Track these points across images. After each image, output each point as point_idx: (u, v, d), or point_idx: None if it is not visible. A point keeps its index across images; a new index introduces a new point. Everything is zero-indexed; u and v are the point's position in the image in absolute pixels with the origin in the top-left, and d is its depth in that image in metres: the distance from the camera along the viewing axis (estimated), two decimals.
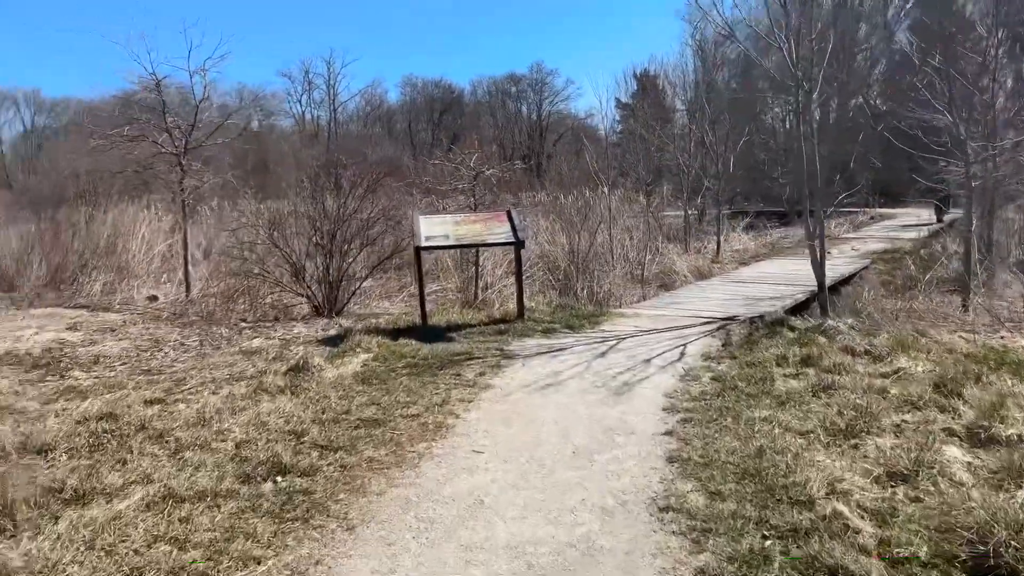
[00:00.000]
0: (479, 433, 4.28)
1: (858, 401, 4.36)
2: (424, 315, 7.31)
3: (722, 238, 17.05)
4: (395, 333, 7.08)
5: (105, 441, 4.26)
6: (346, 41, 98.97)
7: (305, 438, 4.19)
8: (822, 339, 6.06)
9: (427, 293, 12.14)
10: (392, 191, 12.63)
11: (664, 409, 4.62)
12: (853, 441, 3.86)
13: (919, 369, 5.13)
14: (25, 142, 48.98)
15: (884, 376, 5.00)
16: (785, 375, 5.19)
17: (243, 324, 8.85)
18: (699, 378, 5.31)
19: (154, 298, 12.06)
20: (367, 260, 11.21)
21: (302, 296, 9.75)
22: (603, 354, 6.27)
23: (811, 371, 5.23)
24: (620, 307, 8.98)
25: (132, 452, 4.05)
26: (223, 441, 4.20)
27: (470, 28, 79.29)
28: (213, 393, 5.27)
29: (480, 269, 10.63)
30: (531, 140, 50.48)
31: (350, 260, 9.72)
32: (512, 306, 8.22)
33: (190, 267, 12.13)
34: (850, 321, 6.62)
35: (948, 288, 10.20)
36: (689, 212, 18.83)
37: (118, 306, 11.01)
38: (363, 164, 9.84)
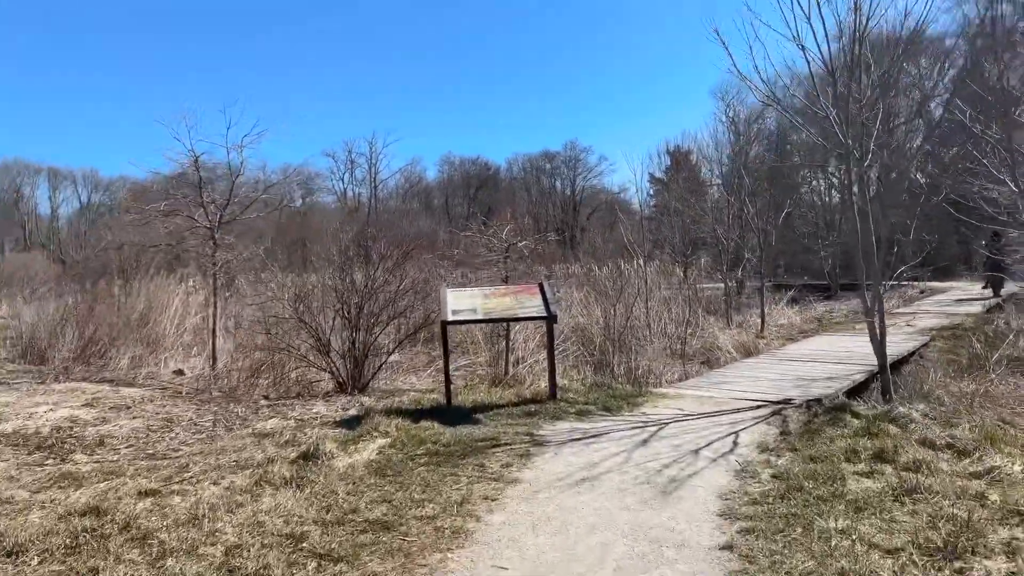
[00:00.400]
0: (503, 542, 3.66)
1: (953, 510, 3.65)
2: (449, 395, 6.79)
3: (766, 312, 16.30)
4: (417, 414, 6.55)
5: (84, 542, 3.76)
6: (388, 122, 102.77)
7: (304, 544, 3.64)
8: (893, 429, 5.34)
9: (455, 368, 11.69)
10: (423, 263, 12.34)
11: (720, 514, 3.96)
12: (957, 564, 3.15)
13: (1016, 468, 4.38)
14: (80, 219, 51.04)
15: (976, 476, 4.26)
16: (857, 473, 4.48)
17: (263, 402, 8.43)
18: (757, 475, 4.63)
19: (180, 372, 11.79)
20: (395, 334, 10.84)
21: (326, 371, 9.33)
22: (644, 442, 5.62)
23: (887, 468, 4.52)
24: (660, 386, 8.32)
25: (109, 558, 3.54)
26: (213, 545, 3.66)
27: (507, 108, 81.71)
28: (214, 483, 4.77)
29: (511, 343, 10.12)
30: (565, 214, 50.76)
31: (376, 333, 9.32)
32: (544, 384, 7.65)
33: (219, 341, 11.89)
34: (922, 407, 5.87)
35: (1021, 369, 9.29)
36: (729, 285, 18.20)
37: (142, 380, 10.73)
38: (393, 236, 9.61)
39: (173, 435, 6.58)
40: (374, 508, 4.14)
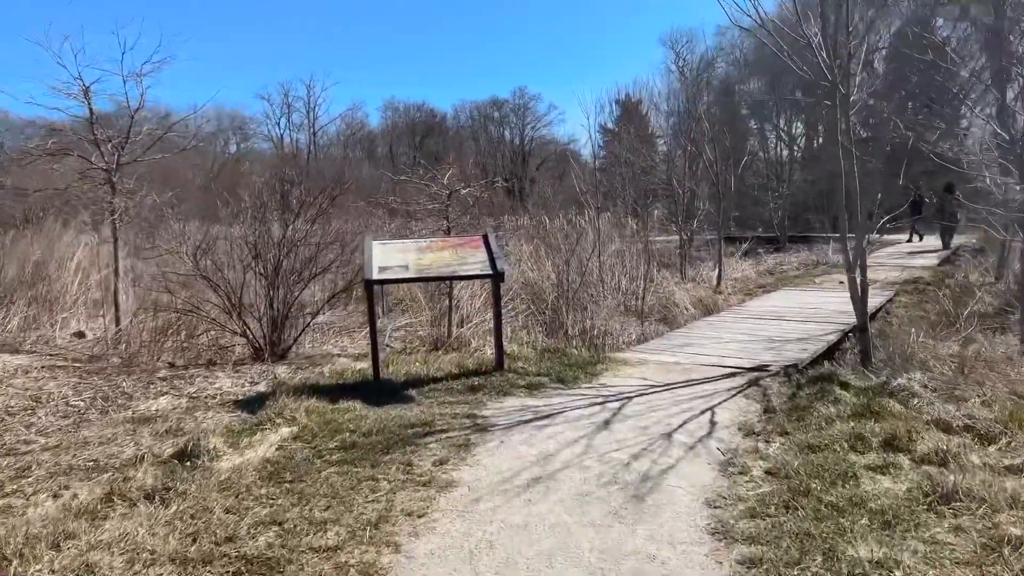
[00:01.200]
0: None
1: (1014, 530, 2.81)
2: (376, 366, 5.70)
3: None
4: (338, 391, 5.46)
5: None
6: (327, 64, 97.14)
7: None
8: (896, 406, 4.53)
9: (394, 329, 10.57)
10: (358, 213, 11.06)
11: (712, 532, 3.04)
12: None
13: None
14: None
15: (1015, 472, 3.46)
16: (870, 468, 3.63)
17: (163, 372, 7.17)
18: (747, 470, 3.74)
19: (81, 335, 10.33)
20: (323, 293, 9.62)
21: (239, 335, 8.09)
22: (607, 423, 4.68)
23: (904, 461, 3.69)
24: (620, 350, 7.42)
25: None
26: None
27: (453, 54, 78.54)
28: (54, 496, 3.61)
29: (455, 301, 9.06)
30: (514, 165, 49.33)
31: (297, 293, 8.10)
32: (490, 351, 6.64)
33: (128, 300, 10.44)
34: (919, 377, 5.10)
35: (990, 325, 8.77)
36: (684, 237, 17.46)
37: (30, 346, 9.27)
38: (315, 181, 8.28)
39: (33, 420, 5.32)
40: (259, 534, 3.07)
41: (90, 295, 12.68)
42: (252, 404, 5.25)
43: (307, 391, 5.42)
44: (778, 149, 40.49)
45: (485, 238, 6.07)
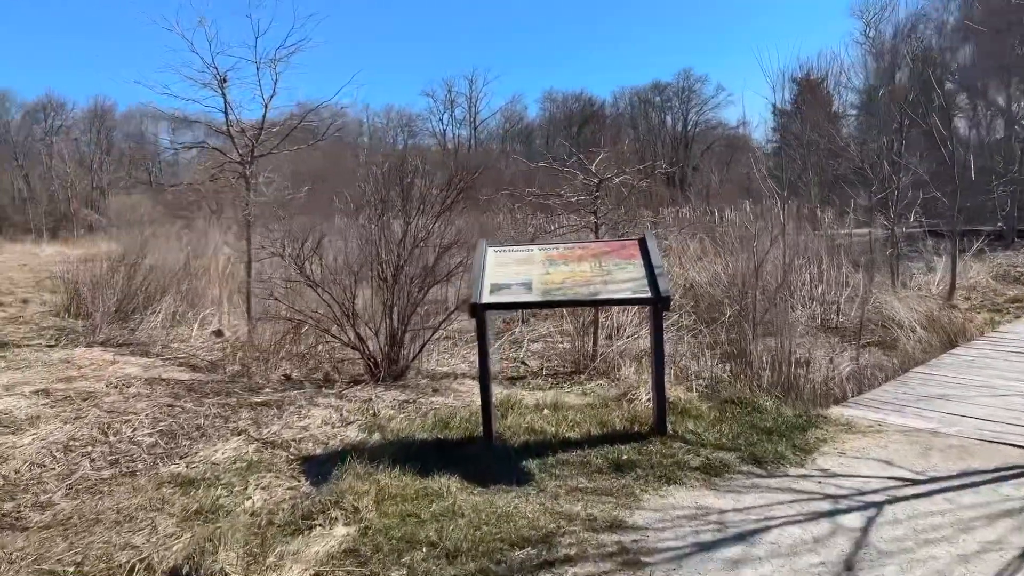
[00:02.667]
0: None
1: None
2: (488, 421, 4.08)
3: (943, 268, 12.40)
4: (434, 453, 3.93)
5: None
6: (488, 59, 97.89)
7: None
8: None
9: (532, 341, 8.99)
10: (493, 207, 9.59)
11: None
12: None
13: None
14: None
15: None
16: None
17: (262, 395, 6.13)
18: None
19: (219, 333, 9.87)
20: (454, 299, 8.27)
21: (353, 348, 6.91)
22: (849, 568, 2.70)
23: None
24: (834, 401, 5.23)
25: None
26: None
27: (614, 39, 75.67)
28: None
29: (601, 312, 7.30)
30: (675, 152, 46.07)
31: (419, 300, 6.76)
32: (645, 394, 4.80)
33: (253, 300, 9.83)
34: None
35: None
36: (894, 233, 14.19)
37: (161, 346, 8.85)
38: (450, 172, 6.88)
39: (77, 467, 4.33)
40: None
41: (234, 293, 12.43)
42: (322, 468, 3.85)
43: (394, 450, 3.94)
44: (992, 128, 33.88)
45: (642, 244, 4.22)
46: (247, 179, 9.53)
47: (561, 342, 8.58)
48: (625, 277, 3.94)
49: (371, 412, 5.22)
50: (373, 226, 6.78)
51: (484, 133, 56.12)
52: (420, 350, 7.00)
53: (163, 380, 6.68)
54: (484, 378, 3.98)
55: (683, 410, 4.55)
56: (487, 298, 3.88)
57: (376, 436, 4.45)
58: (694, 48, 74.79)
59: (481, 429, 4.13)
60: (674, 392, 4.86)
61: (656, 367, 3.95)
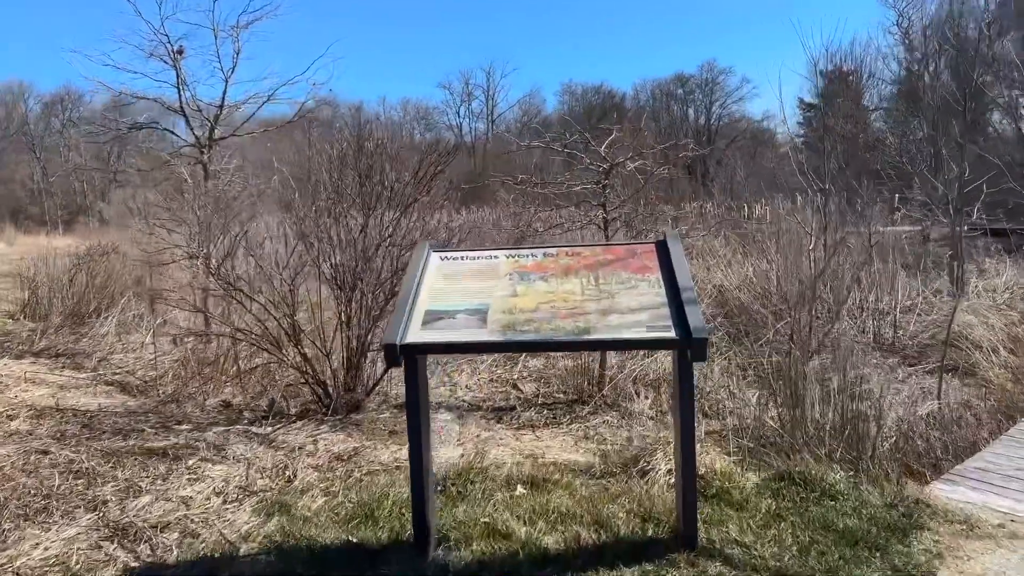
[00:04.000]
0: None
1: None
2: (423, 529, 2.62)
3: (999, 271, 10.71)
4: (338, 570, 2.52)
5: None
6: (507, 50, 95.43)
7: None
8: None
9: (529, 357, 7.47)
10: (491, 198, 8.13)
11: None
12: None
13: None
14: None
15: None
16: None
17: (170, 433, 4.77)
18: None
19: (178, 341, 8.58)
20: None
21: (299, 371, 5.52)
22: None
23: None
24: (931, 469, 3.74)
25: None
26: None
27: (635, 29, 73.51)
28: None
29: None
30: (698, 145, 44.16)
31: (376, 314, 5.35)
32: (664, 467, 3.34)
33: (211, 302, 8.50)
34: None
35: None
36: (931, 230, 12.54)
37: (99, 359, 7.55)
38: (416, 151, 5.41)
39: None
40: None
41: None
42: None
43: (280, 565, 2.53)
44: None
45: (662, 249, 2.75)
46: (205, 166, 8.19)
47: (564, 358, 7.11)
48: (635, 304, 2.47)
49: (288, 475, 3.81)
50: (325, 220, 5.37)
51: (502, 126, 54.59)
52: (384, 373, 5.59)
53: (61, 410, 5.34)
54: (416, 466, 2.53)
55: (720, 493, 3.07)
56: (415, 335, 2.43)
57: (272, 525, 3.04)
58: (718, 36, 72.46)
59: (417, 531, 2.68)
60: (706, 457, 3.39)
61: (684, 448, 2.46)
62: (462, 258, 2.85)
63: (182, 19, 7.71)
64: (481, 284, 2.67)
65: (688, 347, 2.29)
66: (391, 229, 5.51)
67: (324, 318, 5.73)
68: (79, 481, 3.79)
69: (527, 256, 2.82)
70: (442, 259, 2.86)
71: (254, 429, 4.90)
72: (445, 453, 4.14)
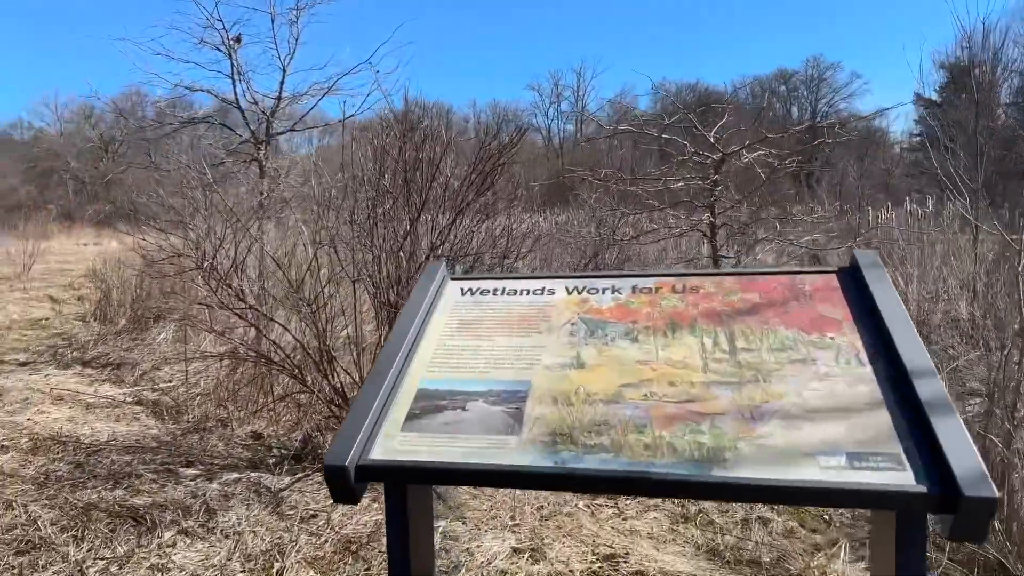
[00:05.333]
0: None
1: None
2: None
3: None
4: None
5: None
6: (598, 50, 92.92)
7: None
8: None
9: None
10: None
11: None
12: None
13: None
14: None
15: None
16: None
17: (170, 480, 3.91)
18: None
19: (233, 353, 7.96)
20: None
21: (326, 402, 4.56)
22: None
23: None
24: None
25: None
26: None
27: (733, 26, 69.99)
28: None
29: None
30: (802, 146, 40.98)
31: None
32: None
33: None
34: None
35: None
36: None
37: (141, 373, 6.97)
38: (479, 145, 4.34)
39: None
40: None
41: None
42: None
43: None
44: None
45: (848, 281, 1.51)
46: (261, 164, 7.47)
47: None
48: (814, 397, 1.24)
49: (275, 570, 2.79)
50: (364, 223, 4.39)
51: (591, 127, 53.04)
52: None
53: (62, 441, 4.61)
54: None
55: None
56: (388, 444, 1.30)
57: None
58: (825, 29, 67.75)
59: None
60: None
61: None
62: (495, 292, 1.69)
63: (238, 2, 6.89)
64: (520, 341, 1.50)
65: (947, 510, 1.04)
66: (445, 235, 4.45)
67: (367, 339, 4.76)
68: (22, 559, 2.93)
69: (604, 290, 1.63)
70: (463, 292, 1.72)
71: (267, 480, 3.96)
72: (488, 543, 3.01)
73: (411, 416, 1.37)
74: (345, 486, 1.26)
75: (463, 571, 2.73)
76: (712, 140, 4.33)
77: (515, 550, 2.97)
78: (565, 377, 1.40)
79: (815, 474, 1.12)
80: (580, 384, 1.37)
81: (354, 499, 1.28)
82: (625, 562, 2.87)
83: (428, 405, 1.39)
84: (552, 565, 2.78)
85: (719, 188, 4.19)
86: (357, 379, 4.49)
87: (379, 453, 1.31)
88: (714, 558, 2.89)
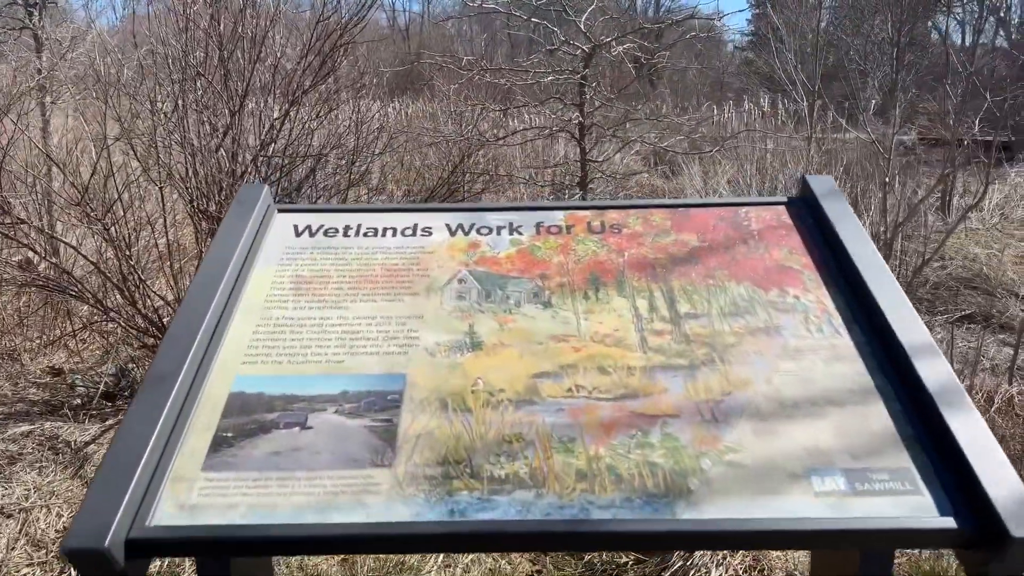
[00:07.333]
0: None
1: None
2: None
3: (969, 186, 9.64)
4: None
5: None
6: None
7: None
8: None
9: None
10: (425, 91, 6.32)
11: None
12: None
13: None
14: None
15: None
16: None
17: None
18: None
19: (26, 264, 6.59)
20: None
21: (144, 336, 3.80)
22: None
23: None
24: None
25: None
26: None
27: None
28: None
29: None
30: (642, 40, 41.53)
31: None
32: None
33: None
34: None
35: None
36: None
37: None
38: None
39: None
40: None
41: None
42: None
43: None
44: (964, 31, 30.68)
45: (801, 215, 1.19)
46: (36, 36, 5.93)
47: None
48: (791, 384, 0.91)
49: None
50: (170, 113, 3.48)
51: (437, 8, 49.78)
52: None
53: None
54: None
55: None
56: (174, 507, 0.81)
57: None
58: None
59: None
60: None
61: None
62: (347, 231, 1.18)
63: None
64: (388, 309, 1.03)
65: (984, 548, 0.77)
66: (277, 130, 3.67)
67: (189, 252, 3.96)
68: None
69: (499, 229, 1.18)
70: (299, 232, 1.19)
71: (68, 432, 3.23)
72: None
73: (218, 443, 0.87)
74: (93, 570, 0.76)
75: None
76: (583, 28, 3.86)
77: None
78: (456, 366, 0.96)
79: (810, 506, 0.80)
80: (478, 376, 0.94)
81: None
82: None
83: (246, 422, 0.90)
84: None
85: (593, 84, 3.78)
86: (173, 300, 3.76)
87: (167, 513, 0.81)
88: None
